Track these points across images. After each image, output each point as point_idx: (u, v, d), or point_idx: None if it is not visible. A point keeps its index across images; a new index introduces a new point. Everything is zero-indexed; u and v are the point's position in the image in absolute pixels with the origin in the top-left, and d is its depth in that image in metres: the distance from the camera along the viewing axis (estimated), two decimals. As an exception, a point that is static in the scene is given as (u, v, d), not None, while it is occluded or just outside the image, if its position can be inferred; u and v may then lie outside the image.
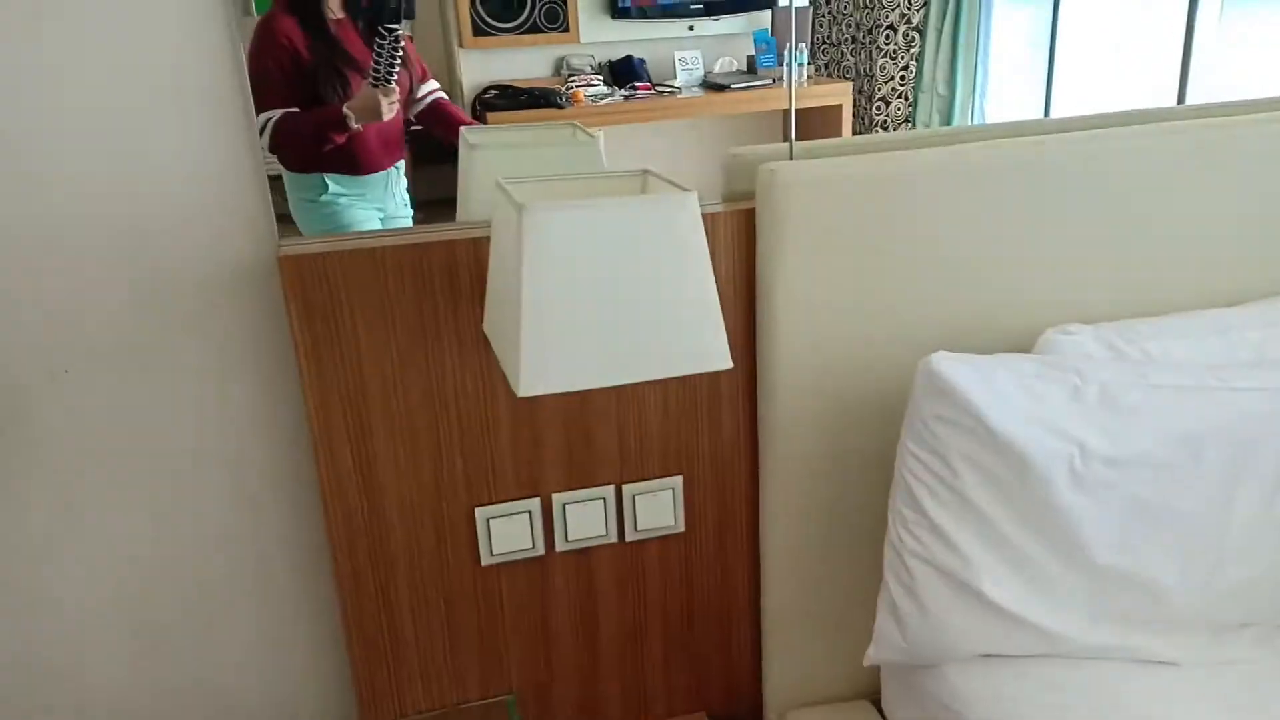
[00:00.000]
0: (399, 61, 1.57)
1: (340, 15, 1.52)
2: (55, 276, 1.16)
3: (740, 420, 1.46)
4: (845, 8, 3.83)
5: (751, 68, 2.84)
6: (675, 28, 2.80)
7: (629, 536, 1.60)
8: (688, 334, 1.07)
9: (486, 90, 2.66)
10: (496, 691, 1.54)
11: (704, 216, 1.16)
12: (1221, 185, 1.52)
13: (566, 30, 2.81)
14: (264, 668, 1.57)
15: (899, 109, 3.57)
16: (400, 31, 1.54)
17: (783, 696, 1.71)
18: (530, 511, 1.53)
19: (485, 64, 2.97)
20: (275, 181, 1.64)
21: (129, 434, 1.28)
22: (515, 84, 2.68)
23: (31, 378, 1.19)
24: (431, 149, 1.78)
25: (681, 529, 1.60)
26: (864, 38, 3.80)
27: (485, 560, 1.51)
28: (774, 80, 2.78)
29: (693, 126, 3.08)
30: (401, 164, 1.76)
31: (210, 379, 1.29)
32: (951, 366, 1.24)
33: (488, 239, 1.20)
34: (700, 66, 2.87)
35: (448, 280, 1.31)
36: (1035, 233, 1.40)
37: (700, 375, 1.32)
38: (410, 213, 1.78)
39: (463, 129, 1.30)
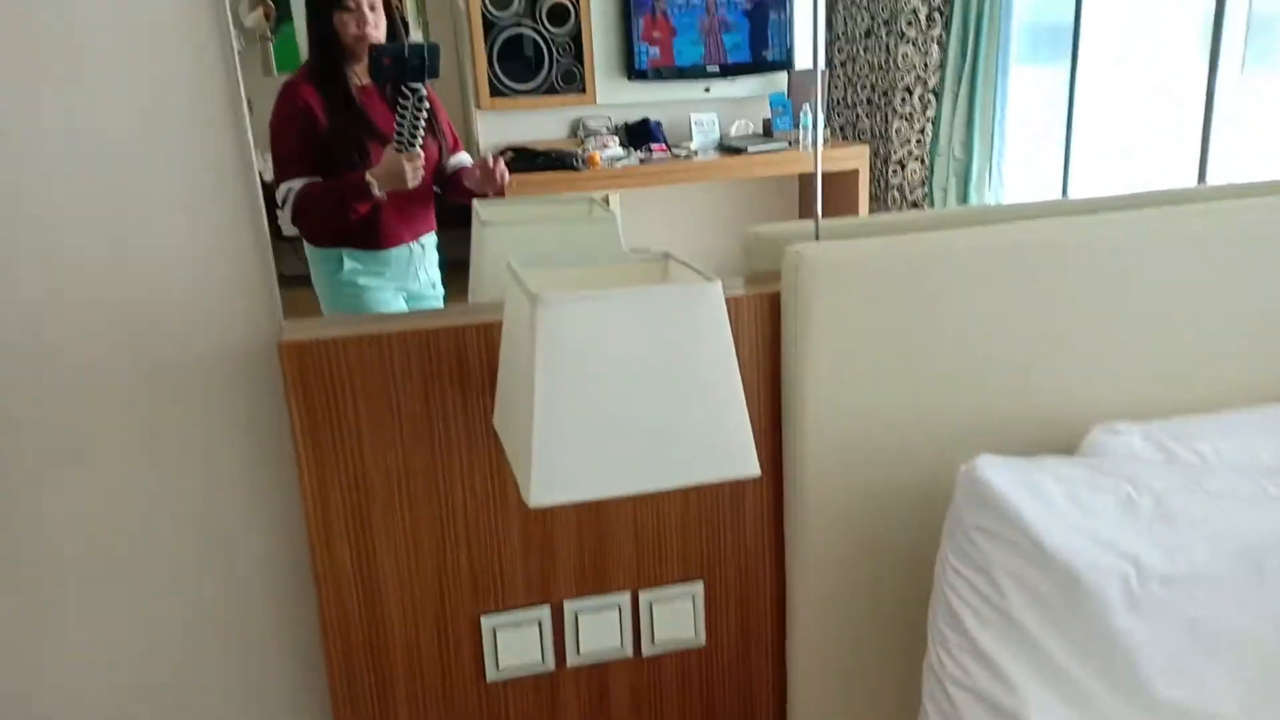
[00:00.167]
0: (423, 123, 1.49)
1: (364, 82, 1.46)
2: (46, 360, 1.09)
3: (765, 519, 1.37)
4: (861, 70, 3.82)
5: (768, 130, 2.80)
6: (691, 90, 2.77)
7: (645, 651, 1.48)
8: (713, 438, 0.98)
9: (503, 152, 2.62)
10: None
11: (726, 301, 1.09)
12: (1271, 269, 1.45)
13: (583, 91, 2.78)
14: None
15: (915, 172, 3.53)
16: (424, 91, 1.48)
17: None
18: (540, 621, 1.42)
19: (502, 125, 2.94)
20: (298, 243, 1.58)
21: (113, 528, 1.20)
22: (532, 146, 2.64)
23: (11, 466, 1.12)
24: (463, 210, 1.71)
25: (702, 642, 1.49)
26: (880, 100, 3.78)
27: (491, 675, 1.40)
28: (790, 143, 2.74)
29: (709, 189, 3.04)
30: (429, 239, 1.66)
31: (204, 467, 1.21)
32: (995, 474, 1.16)
33: (499, 324, 1.13)
34: (716, 129, 2.83)
35: (457, 369, 1.23)
36: (1076, 320, 1.32)
37: (724, 473, 1.24)
38: (440, 292, 1.69)
39: (475, 202, 1.24)
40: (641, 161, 2.68)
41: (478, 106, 2.67)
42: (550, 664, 1.45)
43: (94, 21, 1.02)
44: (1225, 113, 2.66)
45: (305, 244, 1.58)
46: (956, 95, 3.29)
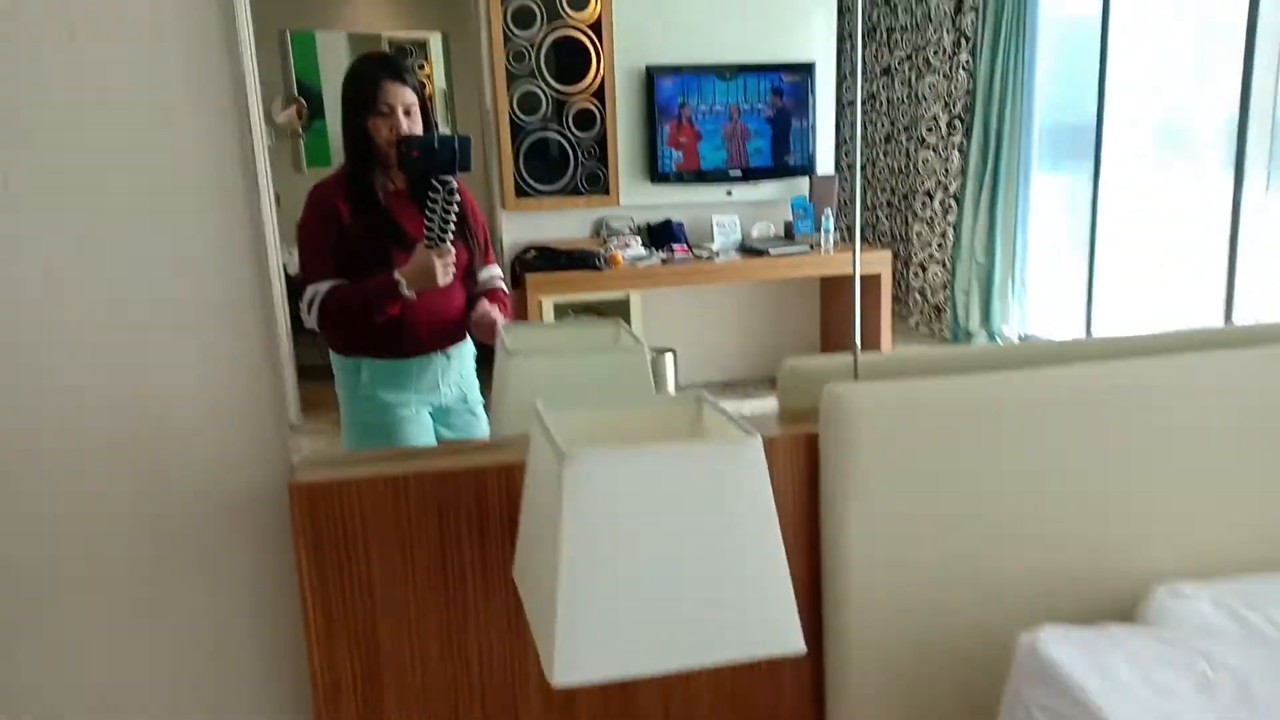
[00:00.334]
0: (454, 218, 1.42)
1: (397, 186, 1.41)
2: (44, 496, 1.04)
3: (804, 689, 1.27)
4: (881, 173, 3.86)
5: (789, 233, 2.81)
6: (714, 192, 2.79)
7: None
8: (753, 610, 0.90)
9: (526, 250, 2.63)
10: None
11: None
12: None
13: (607, 193, 2.80)
14: None
15: (937, 275, 3.53)
16: (454, 184, 1.42)
17: None
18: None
19: (526, 224, 2.96)
20: (318, 335, 1.53)
21: (110, 683, 1.13)
22: (554, 245, 2.64)
23: (4, 611, 1.05)
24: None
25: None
26: (900, 203, 3.81)
27: None
28: (812, 246, 2.74)
29: (730, 290, 3.04)
30: (461, 350, 1.54)
31: (205, 615, 1.13)
32: (1059, 649, 1.07)
33: (520, 466, 1.05)
34: (738, 230, 2.84)
35: (475, 513, 1.15)
36: (1131, 469, 1.25)
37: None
38: (474, 403, 1.59)
39: (501, 328, 1.17)
40: (663, 261, 2.68)
41: (503, 206, 2.70)
42: None
43: (110, 146, 1.00)
44: (1251, 232, 2.65)
45: (330, 352, 1.53)
46: (978, 200, 3.30)
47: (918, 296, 3.60)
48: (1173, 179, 2.89)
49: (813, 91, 2.82)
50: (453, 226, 1.44)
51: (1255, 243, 2.66)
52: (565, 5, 2.62)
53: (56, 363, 1.03)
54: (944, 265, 3.52)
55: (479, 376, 1.67)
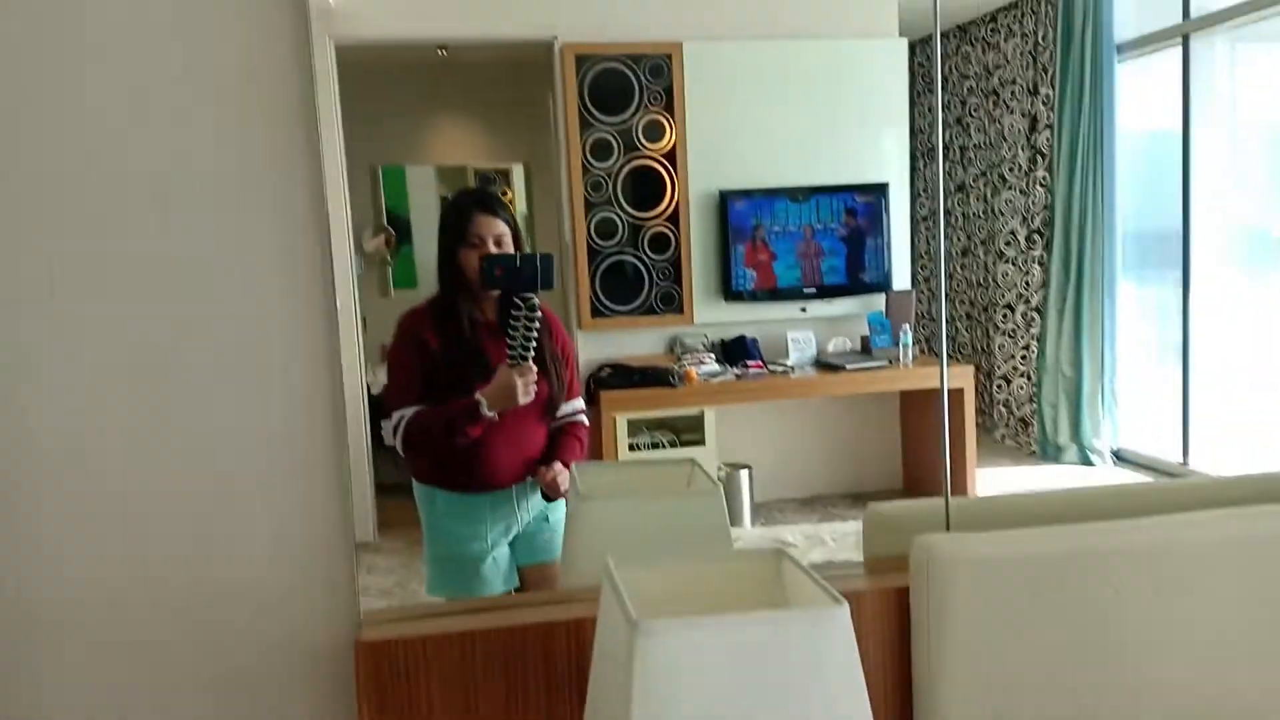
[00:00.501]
0: (535, 336, 1.38)
1: (487, 318, 1.46)
2: (116, 651, 1.05)
3: None
4: (959, 286, 3.83)
5: (866, 348, 2.79)
6: (788, 309, 2.81)
7: None
8: None
9: (601, 368, 2.68)
10: None
11: (846, 596, 0.95)
12: None
13: (681, 312, 2.86)
14: None
15: (1022, 388, 3.44)
16: (535, 302, 1.43)
17: None
18: None
19: (602, 343, 3.03)
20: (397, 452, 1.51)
21: None
22: (629, 362, 2.69)
23: None
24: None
25: None
26: (980, 315, 3.76)
27: None
28: (890, 361, 2.71)
29: (806, 406, 3.02)
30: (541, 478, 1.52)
31: None
32: None
33: (591, 620, 1.01)
34: (813, 346, 2.84)
35: (543, 670, 1.13)
36: (1256, 627, 1.15)
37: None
38: (560, 519, 1.54)
39: (574, 468, 1.17)
40: (738, 377, 2.69)
41: (579, 327, 2.77)
42: None
43: (193, 316, 1.04)
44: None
45: (413, 480, 1.53)
46: (1062, 313, 3.23)
47: (1003, 410, 3.50)
48: (1266, 286, 2.79)
49: (886, 209, 2.85)
50: (534, 345, 1.45)
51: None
52: (641, 137, 2.74)
53: (135, 526, 1.06)
54: (1028, 378, 3.44)
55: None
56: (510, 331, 1.38)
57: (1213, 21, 2.88)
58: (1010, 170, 3.45)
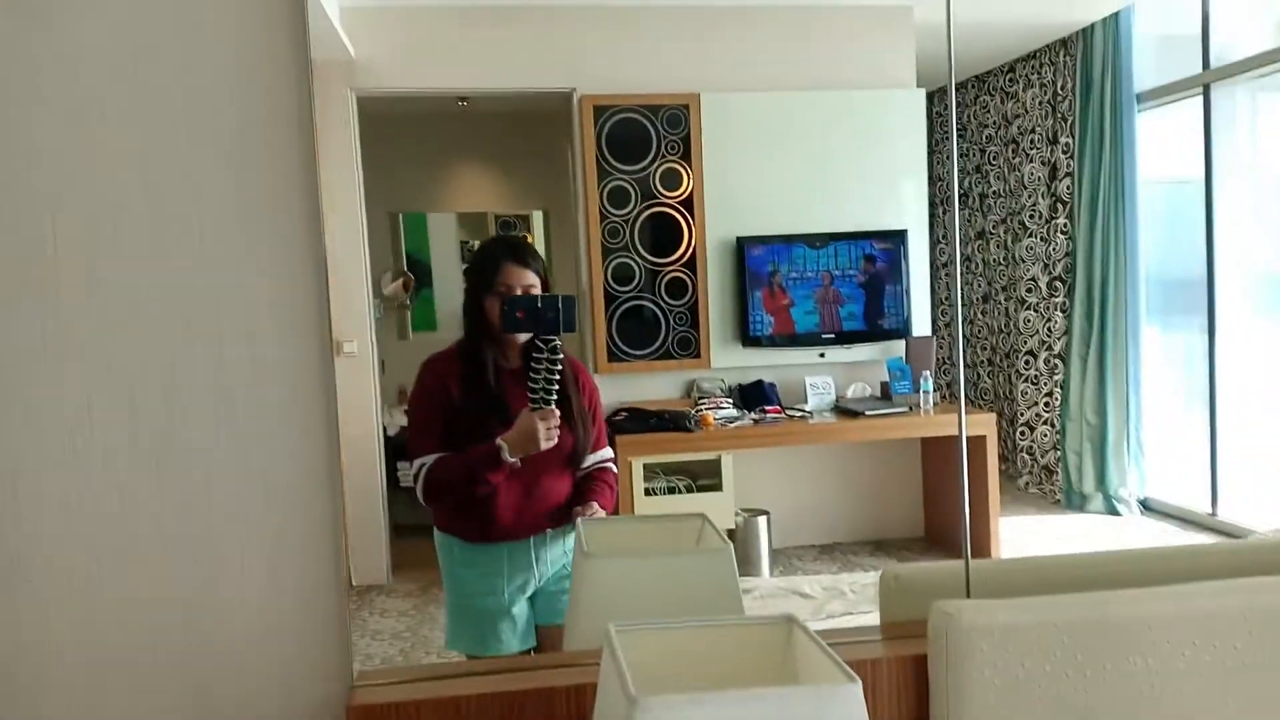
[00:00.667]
0: (557, 379, 1.35)
1: (511, 365, 1.42)
2: (97, 708, 1.03)
3: None
4: (980, 332, 3.81)
5: (885, 394, 2.78)
6: (806, 354, 2.81)
7: None
8: None
9: (617, 413, 2.69)
10: None
11: (862, 665, 0.91)
12: None
13: (698, 356, 2.87)
14: None
15: (1045, 435, 3.40)
16: (557, 344, 1.34)
17: None
18: None
19: (618, 387, 3.05)
20: (413, 493, 1.46)
21: None
22: (645, 406, 2.69)
23: None
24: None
25: None
26: (1001, 361, 3.73)
27: None
28: (910, 408, 2.70)
29: (823, 451, 3.01)
30: (565, 528, 1.47)
31: None
32: None
33: (592, 686, 0.98)
34: (832, 391, 2.83)
35: None
36: None
37: None
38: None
39: (579, 523, 1.13)
40: (755, 422, 2.69)
41: (595, 371, 2.79)
42: None
43: (190, 363, 1.05)
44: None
45: (434, 528, 1.50)
46: (1085, 359, 3.20)
47: (1026, 456, 3.46)
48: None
49: (905, 256, 2.86)
50: (556, 388, 1.41)
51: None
52: (659, 185, 2.78)
53: (123, 579, 1.05)
54: (1052, 425, 3.40)
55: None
56: (532, 375, 1.33)
57: (1233, 71, 2.88)
58: (1031, 217, 3.45)
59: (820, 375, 2.86)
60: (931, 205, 2.98)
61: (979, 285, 3.96)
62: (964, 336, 3.93)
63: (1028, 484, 3.52)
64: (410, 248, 3.87)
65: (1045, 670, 1.06)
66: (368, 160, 2.96)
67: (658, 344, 2.82)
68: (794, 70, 2.86)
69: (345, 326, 2.92)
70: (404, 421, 1.56)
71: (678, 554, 1.12)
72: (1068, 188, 3.27)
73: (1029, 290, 3.52)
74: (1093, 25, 3.14)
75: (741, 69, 2.84)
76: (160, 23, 0.96)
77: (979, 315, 3.97)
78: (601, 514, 1.43)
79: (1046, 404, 3.45)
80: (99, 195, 0.93)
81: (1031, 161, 3.48)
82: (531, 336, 1.39)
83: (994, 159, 3.72)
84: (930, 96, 2.98)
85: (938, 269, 3.17)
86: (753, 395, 2.80)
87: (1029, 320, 3.56)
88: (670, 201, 2.84)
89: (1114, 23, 3.10)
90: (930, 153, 2.96)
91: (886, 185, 2.90)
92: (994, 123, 3.74)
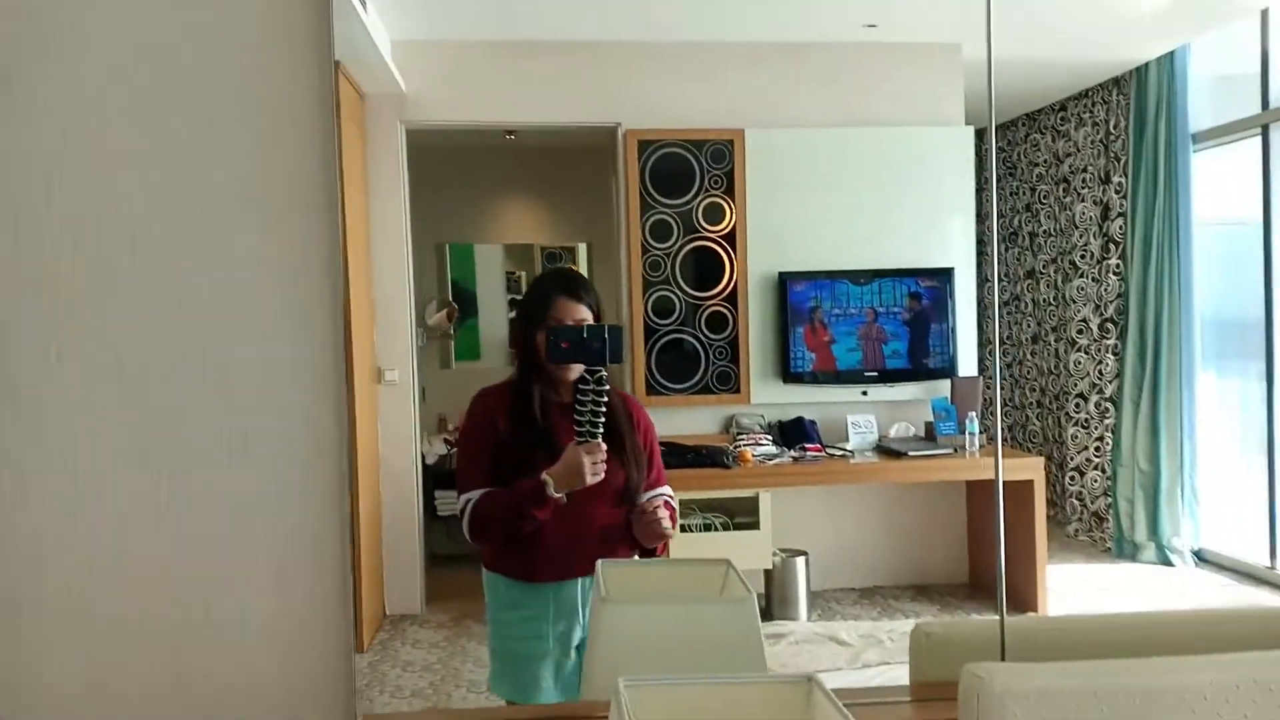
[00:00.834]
0: (604, 411, 1.30)
1: (560, 399, 1.39)
2: None
3: None
4: (1029, 373, 3.73)
5: (930, 434, 2.73)
6: (848, 392, 2.77)
7: None
8: None
9: (654, 447, 2.67)
10: None
11: None
12: None
13: (737, 392, 2.84)
14: None
15: (1096, 481, 3.30)
16: (604, 375, 1.29)
17: None
18: None
19: (656, 421, 2.98)
20: (450, 521, 1.44)
21: None
22: (682, 441, 2.67)
23: None
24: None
25: None
26: (1051, 404, 3.65)
27: None
28: (955, 449, 2.64)
29: (865, 491, 2.95)
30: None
31: None
32: None
33: None
34: (874, 430, 2.78)
35: None
36: None
37: None
38: None
39: (599, 565, 1.09)
40: (795, 460, 2.65)
41: (635, 403, 2.78)
42: None
43: (204, 391, 1.05)
44: None
45: (482, 569, 1.43)
46: (1138, 403, 3.11)
47: (1075, 503, 3.36)
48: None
49: (952, 295, 2.81)
50: (603, 421, 1.36)
51: None
52: (701, 219, 2.78)
53: (124, 603, 1.05)
54: (1102, 470, 3.30)
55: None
56: (578, 407, 1.29)
57: (1294, 112, 2.81)
58: (1082, 257, 3.39)
59: (863, 414, 2.82)
60: (979, 243, 2.93)
61: (1028, 325, 3.88)
62: (1012, 378, 3.86)
63: (1077, 531, 3.42)
64: (456, 277, 3.91)
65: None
66: (416, 192, 3.00)
67: (697, 378, 2.80)
68: (839, 106, 2.85)
69: (388, 354, 2.95)
70: (442, 450, 1.56)
71: (699, 601, 1.07)
72: (1120, 228, 3.21)
73: (1080, 331, 3.44)
74: (1146, 64, 3.09)
75: (786, 104, 2.84)
76: (174, 27, 0.96)
77: (1028, 356, 3.89)
78: (664, 514, 1.37)
79: (1097, 448, 3.35)
80: (107, 201, 0.94)
81: (1083, 200, 3.42)
82: (583, 370, 1.36)
83: (1044, 197, 3.67)
84: (979, 134, 2.95)
85: (985, 308, 3.12)
86: (793, 432, 2.76)
87: (1079, 362, 3.48)
88: (712, 235, 2.83)
89: (1169, 62, 3.04)
90: (979, 190, 2.92)
91: (933, 222, 2.86)
92: (1045, 161, 3.69)
